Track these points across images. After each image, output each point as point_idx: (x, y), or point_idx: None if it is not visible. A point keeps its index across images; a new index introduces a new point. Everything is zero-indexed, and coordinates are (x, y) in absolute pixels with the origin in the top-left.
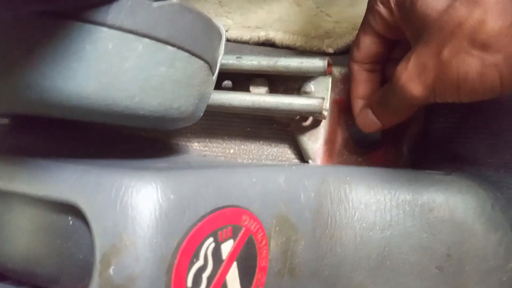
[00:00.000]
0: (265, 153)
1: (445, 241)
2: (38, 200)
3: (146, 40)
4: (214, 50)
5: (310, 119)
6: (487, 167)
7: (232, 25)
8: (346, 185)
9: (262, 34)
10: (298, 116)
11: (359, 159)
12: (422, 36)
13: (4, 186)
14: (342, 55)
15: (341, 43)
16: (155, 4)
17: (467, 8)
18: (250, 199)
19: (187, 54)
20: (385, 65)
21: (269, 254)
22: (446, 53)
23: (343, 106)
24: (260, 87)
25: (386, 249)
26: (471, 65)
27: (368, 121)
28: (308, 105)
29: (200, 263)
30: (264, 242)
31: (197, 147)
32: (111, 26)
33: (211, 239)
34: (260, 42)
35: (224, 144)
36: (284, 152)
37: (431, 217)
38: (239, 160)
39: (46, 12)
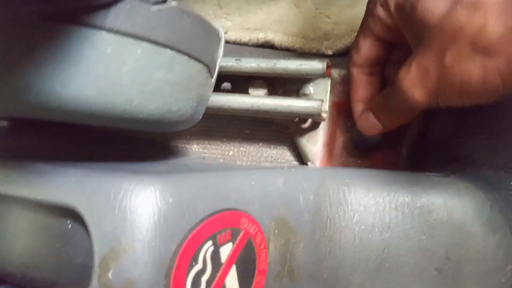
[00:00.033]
0: (264, 155)
1: (444, 243)
2: (37, 204)
3: (145, 43)
4: (212, 53)
5: (309, 121)
6: (486, 168)
7: (231, 26)
8: (345, 187)
9: (261, 36)
10: (297, 118)
11: (358, 161)
12: (423, 41)
13: (3, 190)
14: (341, 57)
15: (340, 45)
16: (154, 7)
17: (467, 13)
18: (249, 202)
19: (185, 57)
20: (384, 67)
21: (268, 257)
22: (448, 58)
23: (342, 108)
24: (259, 89)
25: (385, 251)
26: (473, 70)
27: (370, 124)
28: (307, 107)
29: (199, 266)
30: (263, 245)
31: (196, 149)
32: (109, 30)
33: (210, 243)
34: (259, 44)
35: (223, 146)
36: (283, 154)
37: (430, 219)
38: (238, 162)
39: (45, 15)
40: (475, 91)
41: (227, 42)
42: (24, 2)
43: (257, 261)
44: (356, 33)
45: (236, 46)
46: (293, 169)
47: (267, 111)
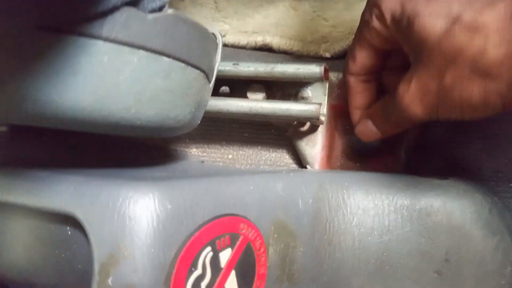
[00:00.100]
0: (263, 158)
1: (443, 246)
2: (36, 211)
3: (141, 52)
4: (210, 59)
5: (308, 124)
6: (485, 171)
7: (229, 30)
8: (344, 190)
9: (259, 39)
10: (295, 122)
11: (357, 164)
12: (422, 57)
13: (3, 198)
14: (339, 60)
15: (338, 47)
16: (150, 16)
17: (467, 35)
18: (247, 207)
19: (182, 64)
20: (381, 73)
21: (268, 261)
22: (448, 78)
23: (340, 111)
24: (257, 93)
25: (385, 254)
26: (473, 91)
27: (368, 131)
28: (305, 111)
29: (198, 272)
30: (262, 249)
31: (196, 153)
32: (106, 39)
33: (209, 248)
34: (257, 47)
35: (223, 150)
36: (282, 157)
37: (429, 222)
38: (237, 166)
39: (41, 26)
40: (475, 109)
41: (225, 45)
42: (21, 14)
43: (256, 266)
44: (353, 36)
45: (234, 50)
46: (291, 173)
47: (265, 114)
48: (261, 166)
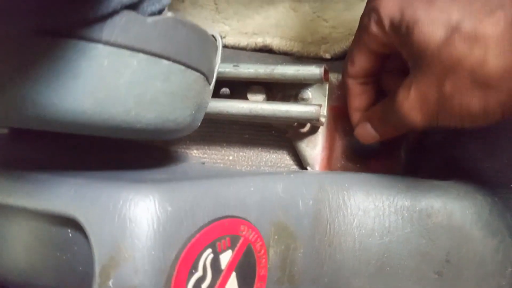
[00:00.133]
0: (264, 159)
1: (444, 247)
2: (37, 214)
3: (141, 55)
4: (210, 61)
5: (308, 125)
6: (485, 172)
7: (230, 31)
8: (345, 191)
9: (259, 40)
10: (296, 123)
11: (358, 165)
12: (421, 65)
13: (4, 200)
14: (339, 61)
15: (338, 48)
16: (149, 19)
17: (467, 46)
18: (248, 209)
19: (182, 67)
20: (380, 76)
21: (268, 262)
22: (447, 87)
23: (340, 113)
24: (257, 94)
25: (385, 255)
26: (473, 100)
27: (367, 134)
28: (306, 112)
29: (199, 274)
30: (263, 251)
31: (196, 154)
32: (106, 43)
33: (209, 250)
34: (257, 48)
35: (223, 151)
36: (283, 159)
37: (429, 223)
38: (238, 167)
39: (41, 30)
40: (475, 117)
41: (225, 46)
42: (20, 18)
43: (257, 267)
44: (353, 36)
45: (235, 51)
46: (292, 175)
47: (265, 116)
48: (262, 168)
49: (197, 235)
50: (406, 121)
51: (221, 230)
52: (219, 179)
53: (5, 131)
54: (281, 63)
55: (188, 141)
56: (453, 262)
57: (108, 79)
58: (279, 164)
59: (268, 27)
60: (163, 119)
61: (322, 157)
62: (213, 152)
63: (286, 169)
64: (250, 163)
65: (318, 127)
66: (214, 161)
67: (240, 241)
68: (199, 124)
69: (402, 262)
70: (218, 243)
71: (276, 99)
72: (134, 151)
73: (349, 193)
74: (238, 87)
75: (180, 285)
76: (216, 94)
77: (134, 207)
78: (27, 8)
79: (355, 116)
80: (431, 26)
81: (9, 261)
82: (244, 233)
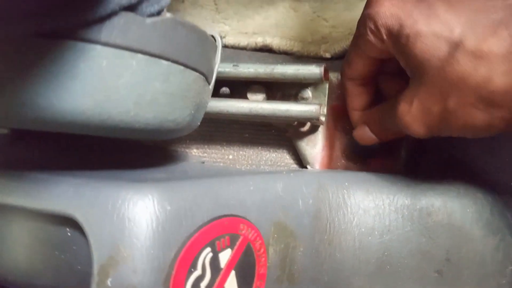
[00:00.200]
0: (264, 158)
1: (444, 245)
2: (36, 213)
3: (140, 56)
4: (209, 61)
5: (308, 124)
6: (486, 170)
7: (230, 31)
8: (345, 190)
9: (259, 40)
10: (296, 122)
11: (358, 164)
12: (424, 79)
13: (3, 200)
14: (339, 60)
15: (338, 47)
16: (148, 20)
17: (472, 63)
18: (247, 208)
19: (181, 67)
20: (378, 77)
21: (268, 261)
22: (451, 103)
23: (340, 112)
24: (257, 93)
25: (385, 253)
26: (477, 116)
27: (366, 136)
28: (306, 111)
29: (198, 272)
30: (262, 249)
31: (196, 154)
32: (104, 44)
33: (208, 249)
34: (257, 48)
35: (223, 150)
36: (283, 158)
37: (429, 222)
38: (238, 166)
39: (40, 33)
40: (478, 131)
41: (225, 46)
42: (19, 20)
43: (256, 266)
44: (353, 36)
45: (235, 51)
46: (291, 173)
47: (265, 115)
48: (262, 167)
49: (196, 234)
50: (408, 131)
51: (220, 229)
52: (218, 178)
53: (5, 131)
54: (281, 63)
55: (188, 140)
56: (453, 261)
57: (107, 80)
58: (279, 163)
59: (268, 27)
60: (162, 119)
61: (322, 156)
62: (213, 151)
63: (286, 168)
64: (250, 162)
65: (318, 126)
66: (214, 160)
67: (240, 240)
68: (199, 123)
69: (402, 260)
70: (217, 242)
71: (276, 98)
72: (133, 151)
73: (349, 192)
74: (238, 87)
75: (179, 284)
76: (216, 94)
77: (133, 206)
78: (26, 10)
79: (355, 115)
80: (434, 41)
81: (8, 261)
82: (243, 232)
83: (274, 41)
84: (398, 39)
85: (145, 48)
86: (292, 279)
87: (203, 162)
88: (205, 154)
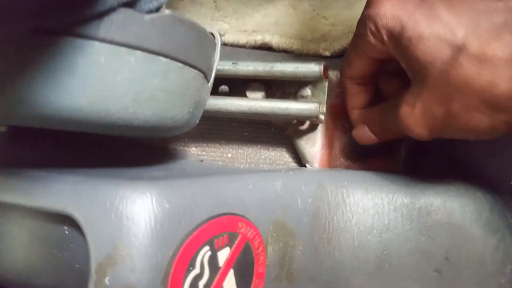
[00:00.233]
0: (263, 157)
1: (443, 245)
2: (34, 211)
3: (138, 52)
4: (208, 58)
5: (307, 123)
6: (485, 170)
7: (229, 29)
8: (344, 189)
9: (258, 38)
10: (295, 121)
11: (357, 163)
12: (426, 82)
13: (1, 198)
14: (338, 58)
15: (338, 46)
16: (147, 17)
17: (475, 67)
18: (246, 206)
19: (180, 64)
20: (378, 77)
21: (267, 260)
22: (454, 106)
23: (340, 110)
24: (256, 91)
25: (384, 252)
26: (481, 119)
27: (365, 136)
28: (305, 110)
29: (196, 271)
30: (261, 248)
31: (195, 152)
32: (102, 40)
33: (207, 248)
34: (256, 46)
35: (222, 149)
36: (282, 156)
37: (429, 220)
38: (236, 165)
39: (38, 30)
40: (481, 134)
41: (224, 44)
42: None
43: (255, 265)
44: (353, 34)
45: (234, 49)
46: (291, 172)
47: (264, 113)
48: (261, 165)
49: (195, 233)
50: (410, 134)
51: (219, 227)
52: (217, 177)
53: (3, 129)
54: (281, 61)
55: (186, 139)
56: (453, 260)
57: (106, 76)
58: (278, 162)
59: (267, 25)
60: (160, 116)
61: (321, 155)
62: (211, 149)
63: (285, 166)
64: (249, 160)
65: (318, 125)
66: (213, 158)
67: (238, 238)
68: (198, 121)
69: (401, 259)
70: (216, 240)
71: (275, 96)
72: (131, 149)
73: (348, 191)
74: (237, 85)
75: (177, 283)
76: (215, 92)
77: (131, 204)
78: (25, 7)
79: (354, 114)
80: (437, 43)
81: (6, 260)
82: (242, 230)
83: (274, 39)
84: (399, 41)
85: (143, 45)
86: (291, 278)
87: (202, 161)
88: (204, 153)
